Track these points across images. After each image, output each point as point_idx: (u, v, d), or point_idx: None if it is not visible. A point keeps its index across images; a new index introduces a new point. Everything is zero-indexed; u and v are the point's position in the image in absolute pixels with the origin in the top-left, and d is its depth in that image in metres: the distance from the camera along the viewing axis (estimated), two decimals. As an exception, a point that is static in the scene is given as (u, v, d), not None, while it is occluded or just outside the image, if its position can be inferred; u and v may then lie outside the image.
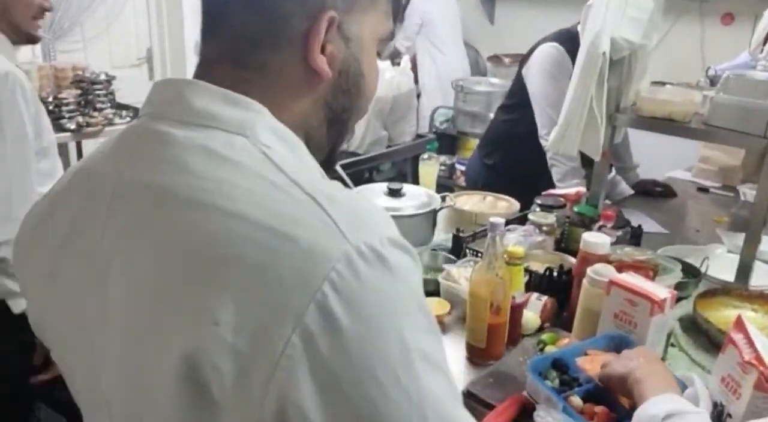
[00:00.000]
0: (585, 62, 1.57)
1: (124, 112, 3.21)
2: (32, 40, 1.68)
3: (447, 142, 4.06)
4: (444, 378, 0.58)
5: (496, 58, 4.50)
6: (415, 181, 2.52)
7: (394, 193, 1.78)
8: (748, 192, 2.51)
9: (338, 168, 2.24)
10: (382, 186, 1.83)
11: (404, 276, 0.56)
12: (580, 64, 1.59)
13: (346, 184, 2.17)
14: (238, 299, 0.52)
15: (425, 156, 2.11)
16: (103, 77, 3.26)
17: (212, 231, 0.55)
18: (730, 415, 0.99)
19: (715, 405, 1.02)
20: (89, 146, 3.58)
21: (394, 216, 1.92)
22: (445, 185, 3.68)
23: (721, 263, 1.71)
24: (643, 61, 1.70)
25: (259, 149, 0.59)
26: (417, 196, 1.80)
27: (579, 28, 2.29)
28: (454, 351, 1.32)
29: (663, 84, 3.29)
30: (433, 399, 0.55)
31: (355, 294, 0.52)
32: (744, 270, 1.58)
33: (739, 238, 1.80)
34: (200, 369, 0.52)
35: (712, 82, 2.10)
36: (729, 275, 1.62)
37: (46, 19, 3.60)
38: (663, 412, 0.86)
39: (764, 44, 2.49)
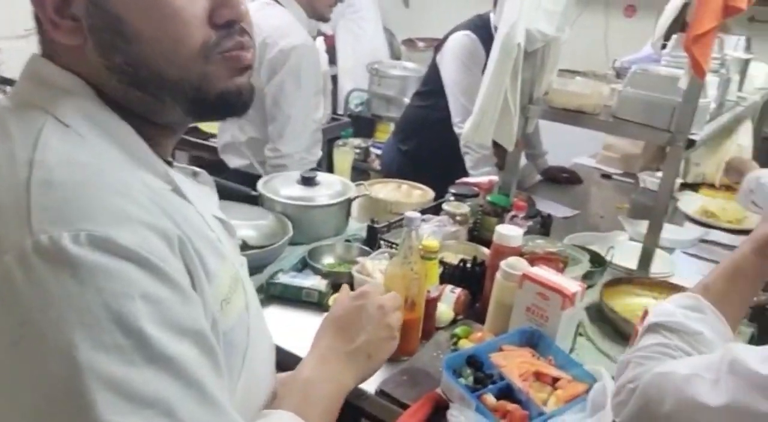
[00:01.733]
0: (500, 53, 1.56)
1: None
2: (322, 19, 2.17)
3: (362, 125, 4.01)
4: None
5: (410, 42, 4.48)
6: (329, 164, 2.47)
7: (308, 182, 1.71)
8: (647, 179, 2.63)
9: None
10: (296, 174, 1.76)
11: (97, 282, 0.47)
12: (496, 54, 1.58)
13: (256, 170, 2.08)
14: None
15: (340, 143, 2.06)
16: (-15, 48, 2.96)
17: None
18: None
19: (621, 397, 1.04)
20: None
21: (307, 207, 1.83)
22: (359, 169, 3.63)
23: (624, 250, 1.77)
24: (555, 54, 1.72)
25: (38, 127, 0.56)
26: (331, 185, 1.75)
27: (492, 15, 2.30)
28: (368, 347, 1.29)
29: (571, 72, 3.38)
30: None
31: (16, 294, 0.47)
32: (646, 258, 1.64)
33: (641, 226, 1.88)
34: None
35: (619, 74, 2.16)
36: (632, 262, 1.68)
37: None
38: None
39: (665, 39, 2.60)
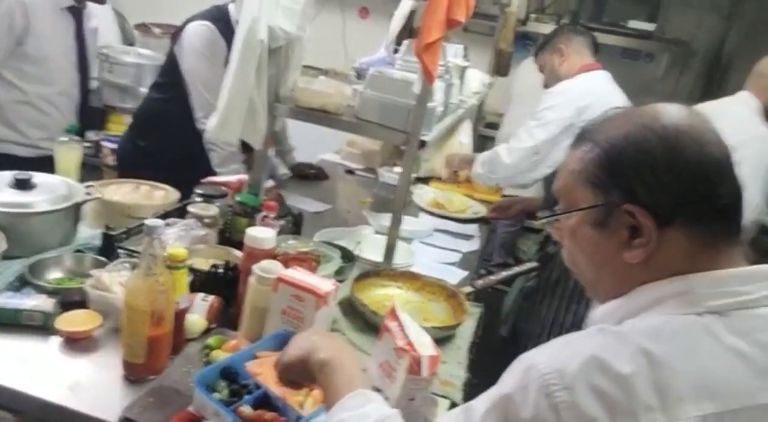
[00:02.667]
0: (243, 48, 1.52)
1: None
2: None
3: (92, 116, 3.61)
4: None
5: (144, 27, 4.16)
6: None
7: (23, 185, 1.47)
8: (386, 174, 2.82)
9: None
10: (7, 175, 1.50)
11: None
12: (239, 50, 1.53)
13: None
14: None
15: (64, 138, 1.80)
16: None
17: None
18: (387, 398, 1.06)
19: (374, 390, 1.09)
20: None
21: (23, 214, 1.59)
22: (92, 165, 3.27)
23: (370, 244, 1.87)
24: (299, 52, 1.73)
25: None
26: (53, 188, 1.53)
27: (231, 7, 2.23)
28: (107, 370, 1.16)
29: (313, 69, 3.45)
30: None
31: None
32: (390, 251, 1.74)
33: (384, 219, 2.00)
34: None
35: (359, 75, 2.25)
36: (377, 255, 1.77)
37: None
38: None
39: (397, 43, 2.80)
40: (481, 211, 2.56)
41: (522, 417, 0.67)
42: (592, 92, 2.19)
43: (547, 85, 2.46)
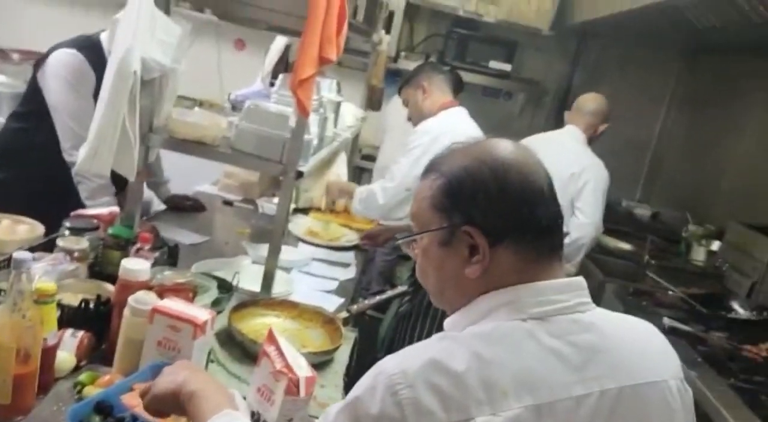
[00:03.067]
0: (115, 79, 1.51)
1: None
2: None
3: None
4: None
5: (1, 53, 3.91)
6: None
7: None
8: (265, 205, 2.84)
9: None
10: None
11: None
12: (110, 80, 1.52)
13: None
14: None
15: None
16: None
17: None
18: (265, 421, 1.10)
19: (252, 414, 1.12)
20: None
21: None
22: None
23: (248, 274, 1.88)
24: (173, 83, 1.74)
25: None
26: None
27: (103, 36, 2.19)
28: (-34, 414, 1.09)
29: (188, 99, 3.42)
30: None
31: None
32: (268, 280, 1.77)
33: (262, 249, 2.02)
34: None
35: (234, 106, 2.28)
36: (256, 285, 1.80)
37: None
38: None
39: (273, 76, 2.86)
40: (355, 239, 2.65)
41: (370, 413, 0.75)
42: (452, 129, 2.39)
43: (411, 119, 2.64)
